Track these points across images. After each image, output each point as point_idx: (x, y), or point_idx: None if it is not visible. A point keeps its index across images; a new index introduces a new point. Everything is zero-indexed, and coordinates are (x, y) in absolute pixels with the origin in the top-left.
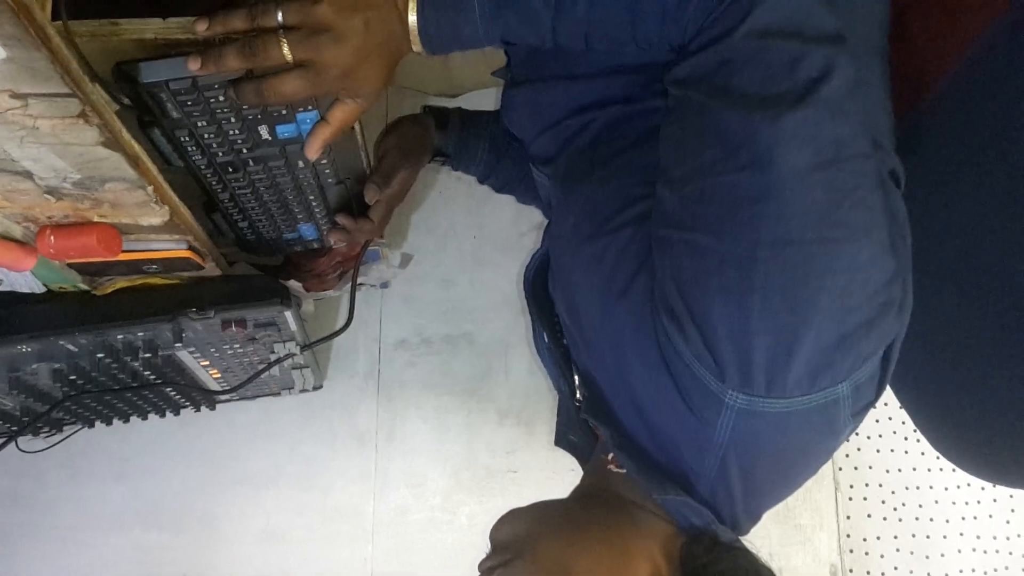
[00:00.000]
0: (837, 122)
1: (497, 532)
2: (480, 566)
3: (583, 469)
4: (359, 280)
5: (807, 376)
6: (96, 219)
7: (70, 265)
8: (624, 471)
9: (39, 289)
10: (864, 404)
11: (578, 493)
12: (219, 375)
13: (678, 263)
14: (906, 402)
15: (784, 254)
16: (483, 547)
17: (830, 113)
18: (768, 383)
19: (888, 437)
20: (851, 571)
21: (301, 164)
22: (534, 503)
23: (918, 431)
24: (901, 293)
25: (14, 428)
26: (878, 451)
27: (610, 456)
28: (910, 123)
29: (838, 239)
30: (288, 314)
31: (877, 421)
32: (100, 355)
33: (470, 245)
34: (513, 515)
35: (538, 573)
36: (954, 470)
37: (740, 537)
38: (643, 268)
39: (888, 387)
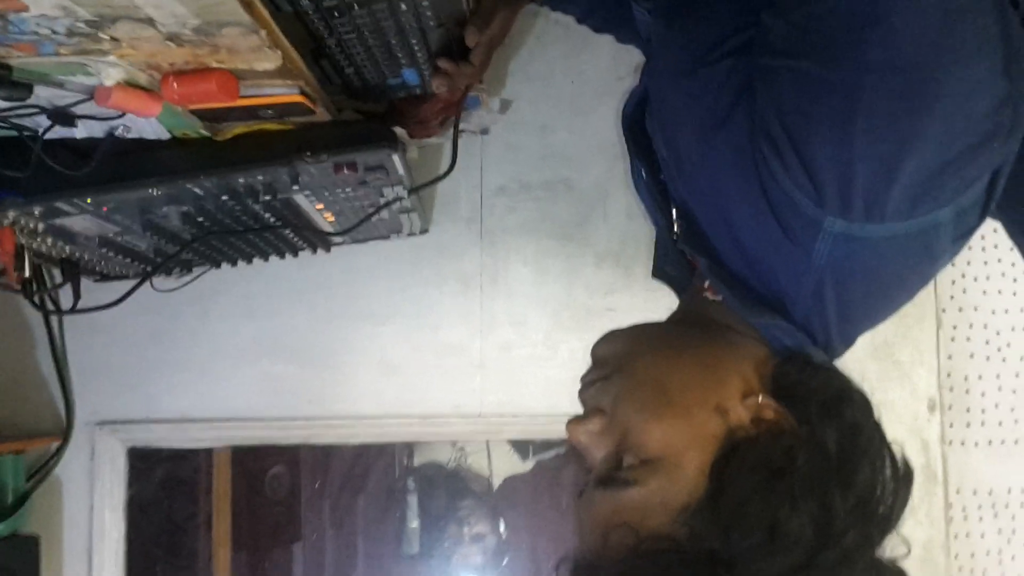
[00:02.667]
0: None
1: (598, 349)
2: (582, 379)
3: (679, 300)
4: (460, 127)
5: (907, 201)
6: (214, 65)
7: (192, 111)
8: (720, 298)
9: (164, 136)
10: (966, 230)
11: (675, 317)
12: (332, 218)
13: (780, 90)
14: (1011, 225)
15: (891, 79)
16: None
17: None
18: (867, 208)
19: (995, 279)
20: (950, 407)
21: (404, 7)
22: (633, 324)
23: None
24: (1011, 118)
25: (149, 268)
26: (984, 292)
27: (706, 284)
28: None
29: (948, 63)
30: (396, 157)
31: (986, 263)
32: (224, 197)
33: (568, 90)
34: (613, 334)
35: (635, 387)
36: None
37: (834, 362)
38: (743, 98)
39: (995, 218)
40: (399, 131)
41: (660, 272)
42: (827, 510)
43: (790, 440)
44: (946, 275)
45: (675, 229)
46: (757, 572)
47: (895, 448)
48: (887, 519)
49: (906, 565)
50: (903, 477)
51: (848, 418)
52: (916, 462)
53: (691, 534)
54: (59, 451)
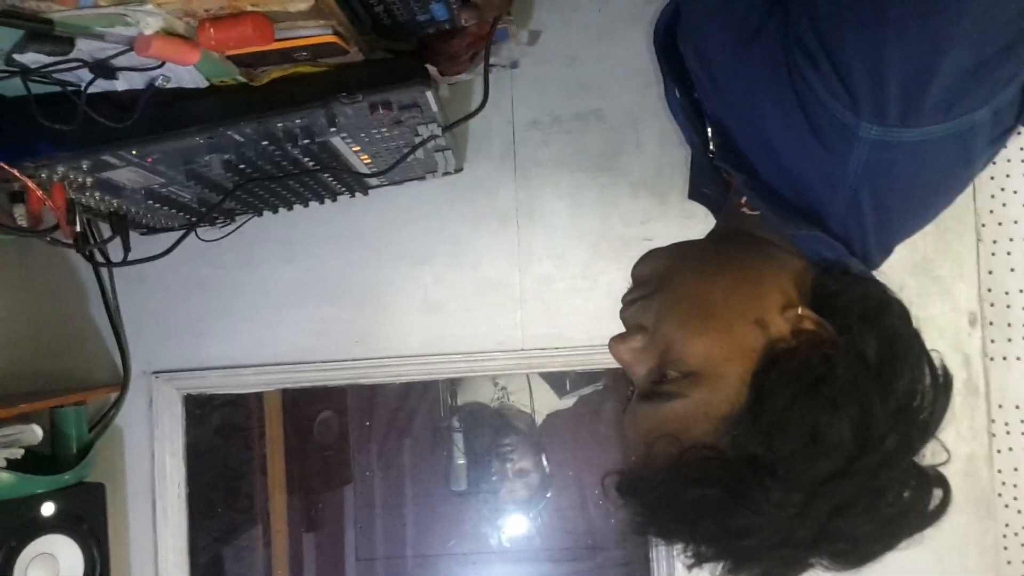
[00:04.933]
0: None
1: (639, 268)
2: (623, 298)
3: (716, 219)
4: (490, 61)
5: (943, 104)
6: (249, 9)
7: (228, 57)
8: (757, 213)
9: (203, 84)
10: (1003, 130)
11: (713, 235)
12: (369, 160)
13: None
14: None
15: None
16: None
17: None
18: (903, 113)
19: None
20: (991, 323)
21: None
22: (673, 243)
23: None
24: None
25: (193, 219)
26: None
27: (743, 200)
28: None
29: None
30: (429, 94)
31: None
32: (264, 143)
33: (595, 19)
34: (653, 253)
35: (676, 303)
36: None
37: (872, 273)
38: (775, 9)
39: None
40: (430, 69)
41: (696, 193)
42: (867, 416)
43: (829, 349)
44: (985, 189)
45: (711, 146)
46: (799, 476)
47: (934, 355)
48: (927, 425)
49: (948, 478)
50: (943, 384)
51: (887, 326)
52: (958, 377)
53: (733, 442)
54: (118, 401)
